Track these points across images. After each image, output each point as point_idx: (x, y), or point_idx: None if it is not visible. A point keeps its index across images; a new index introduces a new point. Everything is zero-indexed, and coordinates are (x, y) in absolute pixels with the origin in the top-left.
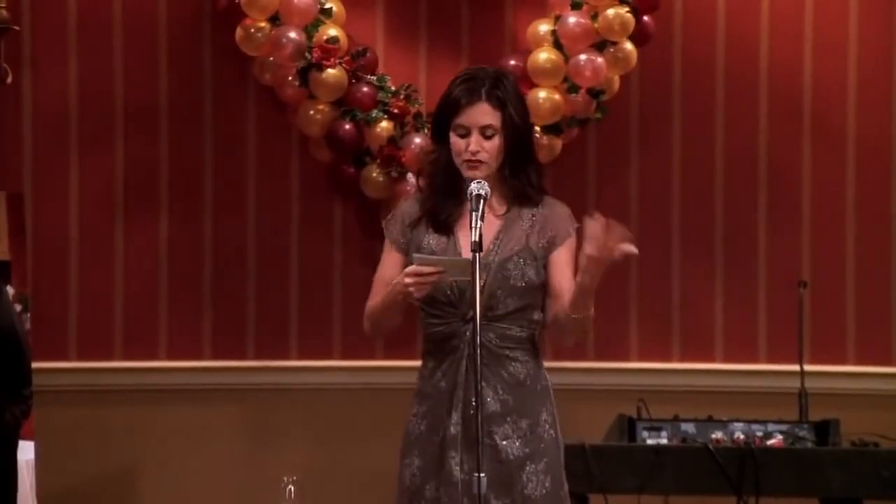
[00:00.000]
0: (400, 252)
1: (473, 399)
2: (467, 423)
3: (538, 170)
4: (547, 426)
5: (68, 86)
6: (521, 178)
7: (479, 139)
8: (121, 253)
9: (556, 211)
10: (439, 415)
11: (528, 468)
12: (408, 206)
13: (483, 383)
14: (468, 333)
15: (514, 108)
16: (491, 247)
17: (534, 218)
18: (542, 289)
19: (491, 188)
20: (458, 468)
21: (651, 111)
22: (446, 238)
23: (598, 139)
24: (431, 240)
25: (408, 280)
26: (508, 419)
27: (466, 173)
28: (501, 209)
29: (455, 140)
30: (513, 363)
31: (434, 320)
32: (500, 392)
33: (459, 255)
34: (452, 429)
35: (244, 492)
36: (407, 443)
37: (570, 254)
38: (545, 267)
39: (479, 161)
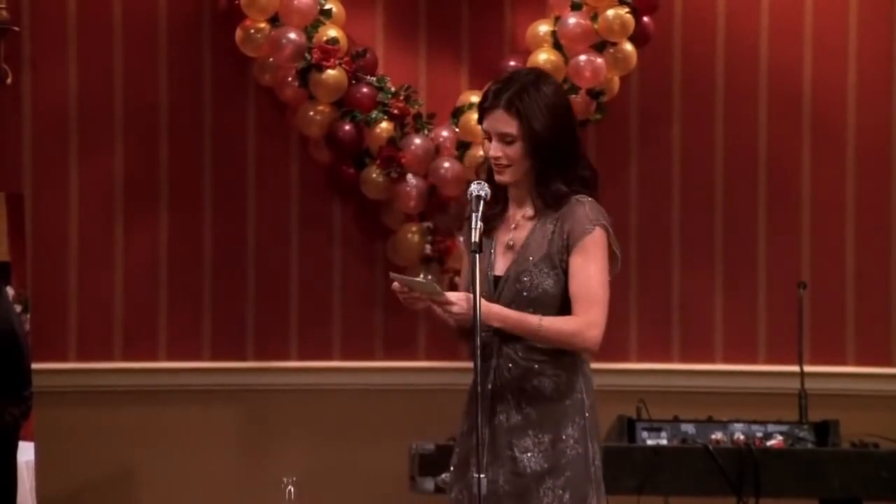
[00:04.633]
0: (467, 252)
1: (498, 408)
2: (492, 431)
3: (581, 170)
4: (572, 441)
5: (68, 86)
6: (549, 184)
7: (499, 145)
8: (120, 254)
9: (575, 209)
10: (473, 420)
11: (546, 483)
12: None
13: (508, 395)
14: (500, 344)
15: (537, 117)
16: (516, 253)
17: (556, 220)
18: (564, 296)
19: (520, 190)
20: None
21: (651, 112)
22: (489, 239)
23: (598, 140)
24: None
25: (399, 297)
26: (530, 432)
27: (495, 176)
28: (531, 212)
29: (484, 143)
30: (538, 377)
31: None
32: (524, 405)
33: (493, 254)
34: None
35: (244, 492)
36: (457, 441)
37: (585, 255)
38: (566, 272)
39: (502, 165)
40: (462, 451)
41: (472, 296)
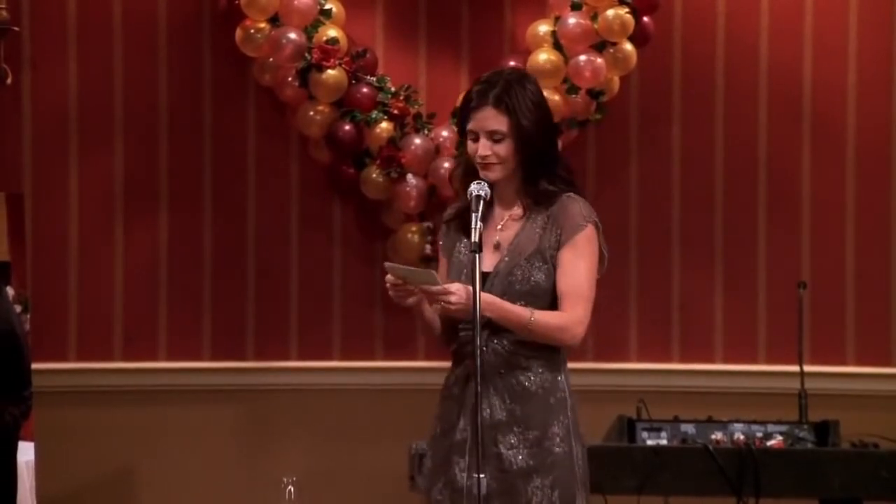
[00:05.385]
0: (445, 256)
1: (482, 404)
2: (474, 429)
3: (560, 170)
4: (557, 440)
5: (68, 86)
6: (537, 181)
7: (487, 143)
8: (120, 253)
9: (567, 206)
10: (451, 419)
11: (534, 482)
12: (450, 211)
13: (492, 390)
14: (488, 339)
15: (525, 113)
16: (506, 251)
17: (547, 218)
18: (555, 290)
19: (507, 190)
20: (462, 474)
21: (651, 112)
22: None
23: (598, 140)
24: (462, 244)
25: (389, 292)
26: (515, 429)
27: (481, 174)
28: (519, 211)
29: (469, 144)
30: (525, 372)
31: (460, 324)
32: (508, 401)
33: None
34: (458, 434)
35: (244, 492)
36: (428, 444)
37: (575, 251)
38: (556, 267)
39: (491, 163)
40: (439, 452)
41: (470, 287)
